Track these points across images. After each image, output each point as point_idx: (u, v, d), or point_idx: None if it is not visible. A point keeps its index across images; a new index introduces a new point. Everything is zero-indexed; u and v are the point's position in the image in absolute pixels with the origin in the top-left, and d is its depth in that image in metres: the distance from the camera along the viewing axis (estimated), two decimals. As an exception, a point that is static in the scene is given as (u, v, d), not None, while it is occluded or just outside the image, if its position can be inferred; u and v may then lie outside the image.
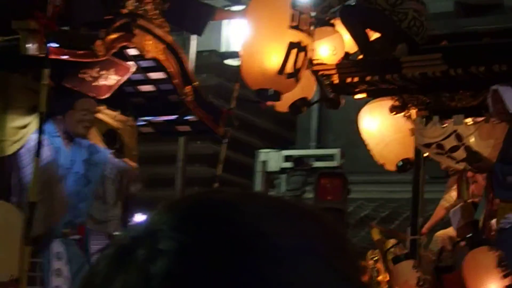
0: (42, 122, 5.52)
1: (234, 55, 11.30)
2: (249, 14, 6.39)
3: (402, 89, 6.86)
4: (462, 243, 6.97)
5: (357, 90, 6.98)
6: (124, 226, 6.40)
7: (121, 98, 6.70)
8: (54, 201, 5.88)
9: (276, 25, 6.12)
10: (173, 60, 6.63)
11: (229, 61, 12.20)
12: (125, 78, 6.46)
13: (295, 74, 6.17)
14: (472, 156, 6.51)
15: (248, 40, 6.31)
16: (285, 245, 0.71)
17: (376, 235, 6.72)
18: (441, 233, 8.01)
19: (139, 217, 7.29)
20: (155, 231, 0.72)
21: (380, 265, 6.45)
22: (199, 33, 7.39)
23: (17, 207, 5.70)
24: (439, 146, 6.79)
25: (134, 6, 6.17)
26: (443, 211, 8.03)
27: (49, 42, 5.42)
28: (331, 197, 10.40)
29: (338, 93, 7.01)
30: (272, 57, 6.12)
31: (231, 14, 10.82)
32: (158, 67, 6.66)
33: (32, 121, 5.80)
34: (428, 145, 6.88)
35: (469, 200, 7.34)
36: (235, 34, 12.01)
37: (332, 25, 7.03)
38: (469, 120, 6.81)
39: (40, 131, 5.52)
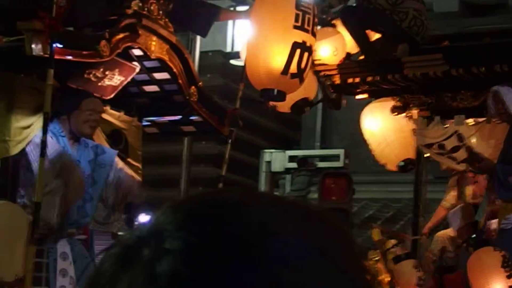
0: (46, 122, 5.53)
1: (239, 55, 11.30)
2: (254, 15, 6.39)
3: (403, 89, 6.86)
4: (465, 244, 6.98)
5: (358, 90, 6.98)
6: (129, 226, 6.40)
7: (125, 99, 6.71)
8: (70, 186, 5.90)
9: (280, 26, 6.13)
10: (177, 60, 6.63)
11: (234, 61, 12.20)
12: (130, 78, 6.46)
13: (299, 74, 6.18)
14: (473, 157, 6.51)
15: (252, 41, 6.32)
16: (291, 245, 0.71)
17: (376, 235, 6.72)
18: (441, 233, 8.01)
19: (144, 217, 7.29)
20: (161, 230, 0.72)
21: (380, 265, 6.45)
22: (204, 34, 7.38)
23: (29, 202, 5.70)
24: (441, 146, 6.79)
25: (138, 7, 6.17)
26: (443, 211, 8.02)
27: (53, 43, 5.43)
28: (335, 197, 10.40)
29: (340, 93, 7.01)
30: (276, 57, 6.12)
31: (236, 15, 10.81)
32: (163, 67, 6.66)
33: (36, 121, 5.80)
34: (429, 145, 6.88)
35: (471, 201, 7.35)
36: (240, 34, 12.01)
37: (334, 26, 7.03)
38: (470, 121, 6.81)
39: (45, 131, 5.52)
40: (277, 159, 12.99)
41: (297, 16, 6.10)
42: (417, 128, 6.93)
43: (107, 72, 6.22)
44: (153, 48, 6.37)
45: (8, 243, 5.48)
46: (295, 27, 6.10)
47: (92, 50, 5.75)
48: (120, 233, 6.23)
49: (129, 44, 6.18)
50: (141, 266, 0.71)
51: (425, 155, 7.08)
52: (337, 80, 6.86)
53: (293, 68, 6.15)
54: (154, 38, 6.36)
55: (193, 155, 11.29)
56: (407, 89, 6.84)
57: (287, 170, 12.95)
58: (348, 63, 6.96)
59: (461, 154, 6.69)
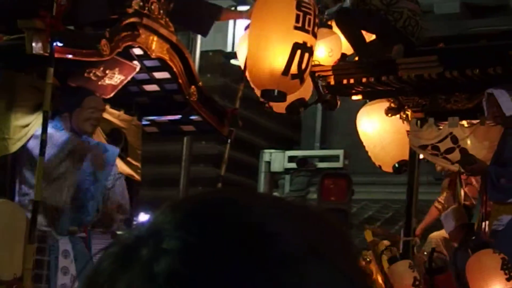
0: (46, 121, 5.52)
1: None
2: (254, 15, 6.39)
3: (398, 91, 6.86)
4: (462, 247, 6.98)
5: (353, 91, 6.99)
6: (128, 225, 6.39)
7: (125, 98, 6.71)
8: (78, 172, 5.91)
9: (281, 26, 6.13)
10: (178, 59, 6.63)
11: (234, 61, 12.21)
12: (130, 77, 6.46)
13: (299, 75, 6.18)
14: (466, 159, 6.50)
15: (253, 41, 6.32)
16: (290, 245, 0.71)
17: (369, 236, 6.71)
18: (435, 234, 8.02)
19: (143, 217, 7.29)
20: (159, 230, 0.72)
21: (373, 266, 6.43)
22: (204, 33, 7.38)
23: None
24: (435, 148, 6.80)
25: (139, 6, 6.17)
26: (436, 212, 8.04)
27: (54, 41, 5.43)
28: (335, 198, 10.40)
29: (334, 94, 7.01)
30: (277, 58, 6.12)
31: (237, 15, 10.81)
32: (163, 66, 6.66)
33: (35, 119, 5.80)
34: (423, 147, 6.89)
35: (462, 203, 7.35)
36: (240, 34, 12.01)
37: (330, 27, 7.03)
38: (464, 123, 6.81)
39: (44, 129, 5.52)
40: (276, 159, 13.00)
41: (297, 16, 6.10)
42: (411, 130, 6.94)
43: (107, 71, 6.22)
44: (153, 48, 6.37)
45: (7, 242, 5.47)
46: (296, 28, 6.10)
47: (93, 49, 5.75)
48: (119, 232, 6.21)
49: (129, 43, 6.18)
50: (140, 265, 0.71)
51: (420, 157, 7.08)
52: (331, 81, 6.86)
53: (294, 69, 6.15)
54: (155, 37, 6.36)
55: (192, 155, 11.30)
56: (401, 91, 6.84)
57: (287, 170, 12.97)
58: (343, 64, 6.97)
59: (455, 155, 6.69)
